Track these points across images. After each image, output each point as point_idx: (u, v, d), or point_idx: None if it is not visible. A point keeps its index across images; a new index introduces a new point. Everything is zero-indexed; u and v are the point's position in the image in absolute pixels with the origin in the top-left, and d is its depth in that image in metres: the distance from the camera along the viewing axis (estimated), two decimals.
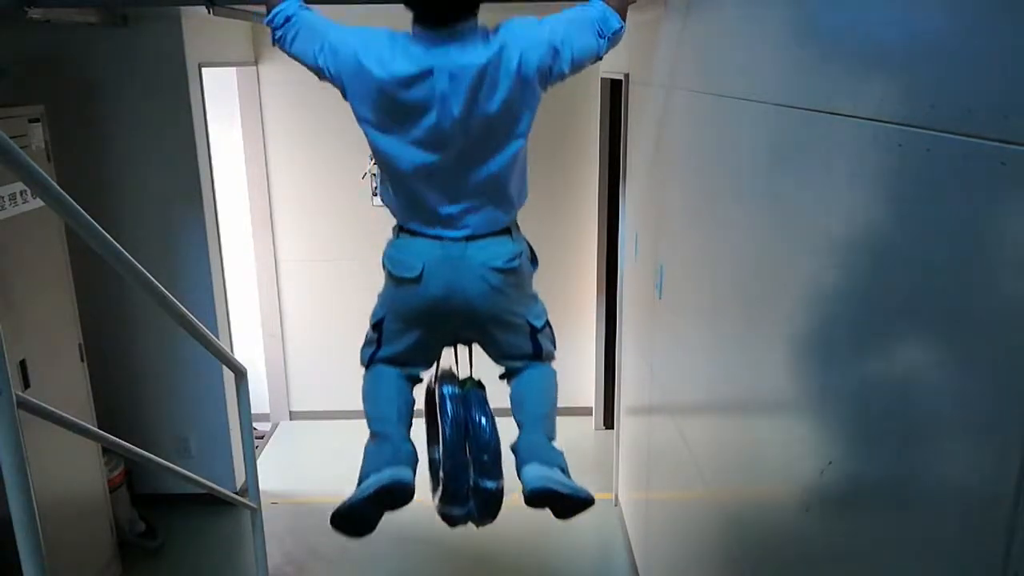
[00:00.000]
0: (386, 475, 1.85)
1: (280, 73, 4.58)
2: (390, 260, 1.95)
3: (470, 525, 2.03)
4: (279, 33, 1.91)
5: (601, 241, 4.66)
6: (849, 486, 1.21)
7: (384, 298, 2.02)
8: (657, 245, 2.85)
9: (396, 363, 2.03)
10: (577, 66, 1.86)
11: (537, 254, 2.06)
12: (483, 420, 1.97)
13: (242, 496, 2.99)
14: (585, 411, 4.91)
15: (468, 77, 1.72)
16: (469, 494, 1.96)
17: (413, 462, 1.92)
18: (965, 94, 0.90)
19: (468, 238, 1.87)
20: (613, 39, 1.91)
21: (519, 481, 1.89)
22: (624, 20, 1.92)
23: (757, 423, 1.73)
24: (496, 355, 2.05)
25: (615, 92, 4.04)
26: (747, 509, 1.84)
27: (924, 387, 1.01)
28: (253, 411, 2.85)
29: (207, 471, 3.32)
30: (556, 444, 1.98)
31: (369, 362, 2.05)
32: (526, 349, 2.02)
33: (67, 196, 1.36)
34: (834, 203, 1.25)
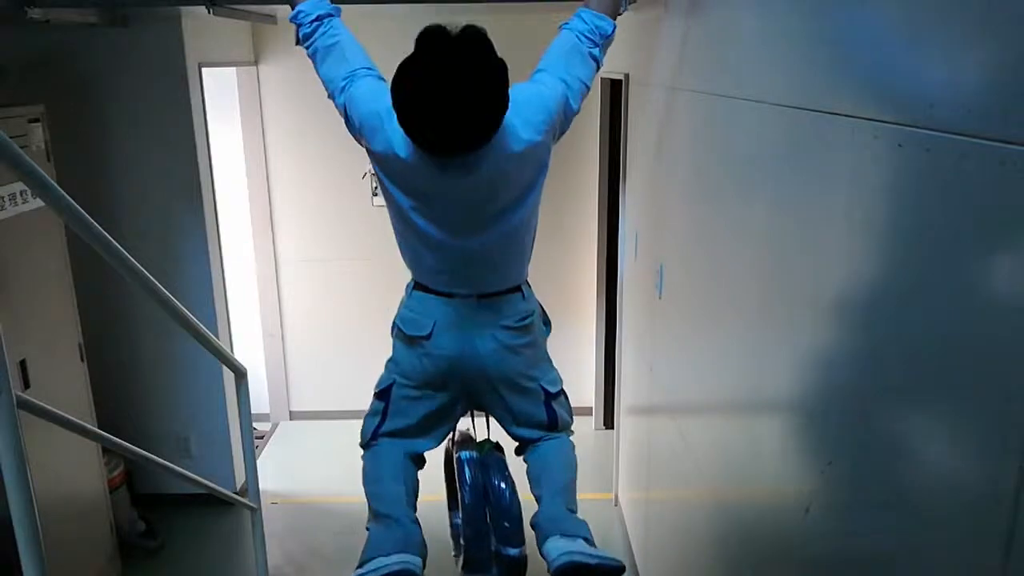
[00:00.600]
0: (394, 561, 1.72)
1: (280, 73, 4.58)
2: (401, 319, 1.90)
3: None
4: (305, 32, 1.85)
5: (601, 241, 4.66)
6: (849, 486, 1.21)
7: (393, 363, 1.95)
8: (657, 245, 2.85)
9: (402, 437, 1.93)
10: (586, 95, 1.85)
11: (550, 317, 2.03)
12: (502, 485, 1.90)
13: (242, 496, 2.99)
14: (585, 411, 4.90)
15: (479, 160, 1.69)
16: (492, 561, 1.89)
17: (423, 552, 1.82)
18: (965, 94, 0.90)
19: (480, 296, 1.83)
20: (606, 46, 1.89)
21: (542, 559, 1.80)
22: (615, 20, 1.90)
23: (757, 423, 1.73)
24: (510, 424, 1.97)
25: (615, 92, 4.04)
26: (747, 509, 1.83)
27: (924, 386, 1.01)
28: (253, 411, 2.85)
29: (207, 471, 3.33)
30: (578, 515, 1.89)
31: (372, 437, 1.94)
32: (540, 417, 1.94)
33: (67, 196, 1.36)
34: (834, 203, 1.25)
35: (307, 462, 4.69)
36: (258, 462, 2.82)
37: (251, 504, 2.63)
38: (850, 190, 1.20)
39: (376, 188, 4.65)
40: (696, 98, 2.22)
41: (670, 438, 2.65)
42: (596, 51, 1.86)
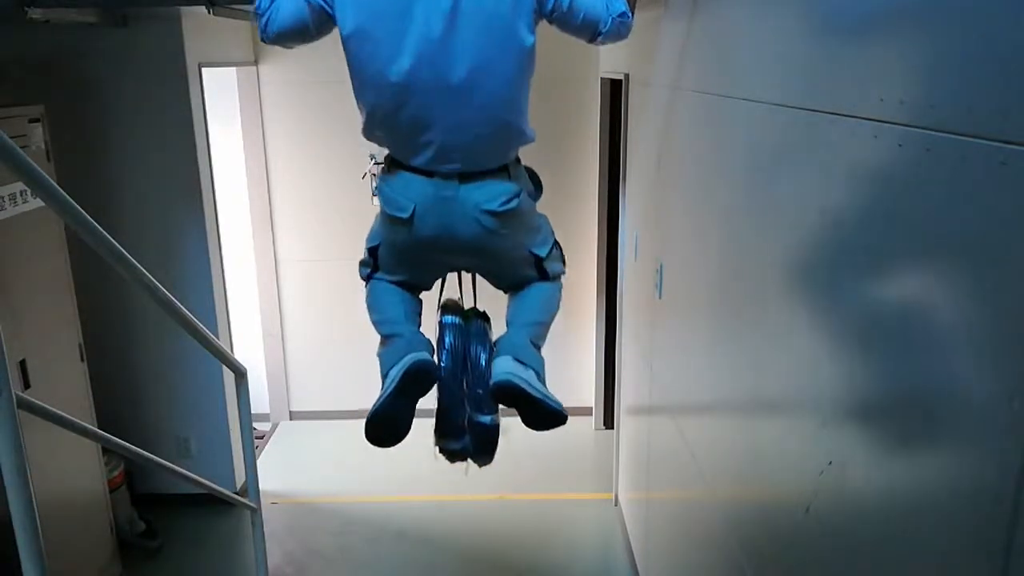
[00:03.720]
0: (407, 359, 1.79)
1: (280, 73, 4.58)
2: (381, 195, 1.88)
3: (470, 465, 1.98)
4: (264, 18, 1.82)
5: (601, 241, 4.66)
6: (849, 486, 1.21)
7: (379, 226, 1.97)
8: (657, 245, 2.85)
9: (394, 283, 2.00)
10: (575, 17, 1.79)
11: (541, 178, 1.97)
12: (481, 353, 1.90)
13: (242, 496, 2.99)
14: (585, 411, 4.90)
15: None
16: (465, 428, 1.90)
17: (430, 348, 1.87)
18: (965, 94, 0.90)
19: (461, 176, 1.77)
20: (616, 24, 1.85)
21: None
22: (632, 13, 1.90)
23: (757, 423, 1.73)
24: (500, 286, 2.01)
25: (615, 92, 4.04)
26: (747, 509, 1.84)
27: (924, 387, 1.01)
28: (253, 411, 2.85)
29: (207, 471, 3.32)
30: (542, 353, 1.90)
31: (368, 279, 2.02)
32: (531, 276, 1.98)
33: (67, 196, 1.36)
34: (834, 203, 1.25)
35: (307, 462, 4.69)
36: (258, 462, 2.82)
37: (251, 504, 2.63)
38: (850, 190, 1.20)
39: (376, 188, 4.65)
40: (696, 98, 2.22)
41: (670, 438, 2.65)
42: (607, 18, 1.83)
